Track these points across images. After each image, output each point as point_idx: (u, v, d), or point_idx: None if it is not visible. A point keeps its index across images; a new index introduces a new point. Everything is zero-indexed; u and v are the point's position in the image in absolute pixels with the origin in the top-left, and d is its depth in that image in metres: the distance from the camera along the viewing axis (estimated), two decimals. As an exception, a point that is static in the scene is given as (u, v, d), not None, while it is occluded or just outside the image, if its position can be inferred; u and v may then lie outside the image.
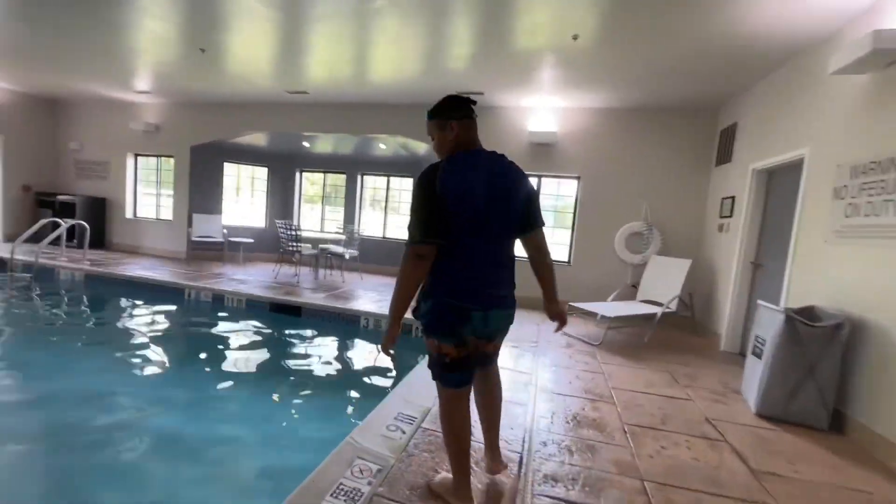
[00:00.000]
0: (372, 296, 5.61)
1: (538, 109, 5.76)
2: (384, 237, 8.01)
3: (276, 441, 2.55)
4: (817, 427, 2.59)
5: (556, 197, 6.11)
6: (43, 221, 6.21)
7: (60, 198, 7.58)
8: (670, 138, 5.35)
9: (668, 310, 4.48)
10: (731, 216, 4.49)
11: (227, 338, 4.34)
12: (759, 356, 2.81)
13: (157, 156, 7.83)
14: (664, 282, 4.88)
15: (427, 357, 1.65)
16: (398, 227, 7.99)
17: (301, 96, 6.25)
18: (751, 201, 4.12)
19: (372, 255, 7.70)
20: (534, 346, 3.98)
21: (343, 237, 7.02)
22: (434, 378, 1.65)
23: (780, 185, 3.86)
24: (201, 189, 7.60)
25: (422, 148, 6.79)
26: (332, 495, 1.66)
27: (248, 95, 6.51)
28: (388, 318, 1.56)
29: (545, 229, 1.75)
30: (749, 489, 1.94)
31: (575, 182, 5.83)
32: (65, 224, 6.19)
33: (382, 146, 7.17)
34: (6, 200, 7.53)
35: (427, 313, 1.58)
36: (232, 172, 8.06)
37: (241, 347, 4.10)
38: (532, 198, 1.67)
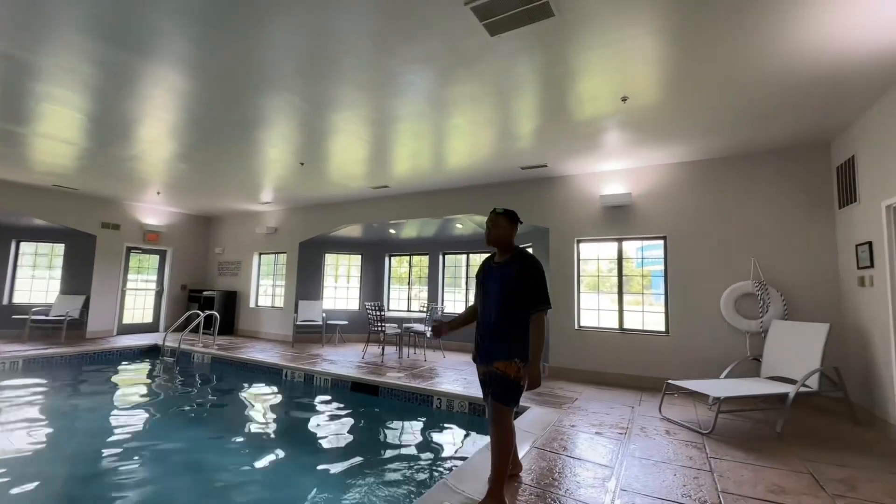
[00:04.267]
0: (451, 375, 5.49)
1: (609, 173, 5.59)
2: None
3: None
4: None
5: (642, 260, 5.58)
6: (187, 314, 7.58)
7: (205, 293, 9.24)
8: (774, 184, 4.68)
9: (805, 388, 3.55)
10: (871, 266, 3.60)
11: (311, 414, 4.56)
12: (939, 455, 2.01)
13: (275, 253, 9.26)
14: (795, 353, 3.95)
15: (506, 389, 2.20)
16: (480, 302, 7.95)
17: (388, 190, 7.03)
18: (894, 245, 3.28)
19: (456, 332, 7.67)
20: (621, 433, 3.40)
21: (426, 315, 7.20)
22: (510, 404, 2.23)
23: (931, 222, 3.05)
24: (306, 278, 8.66)
25: (497, 223, 6.93)
26: None
27: (341, 196, 7.54)
28: (533, 362, 2.17)
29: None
30: None
31: (661, 243, 5.31)
32: (201, 315, 7.44)
33: (459, 226, 7.51)
34: (169, 298, 9.43)
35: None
36: (331, 262, 9.08)
37: (321, 424, 4.24)
38: None
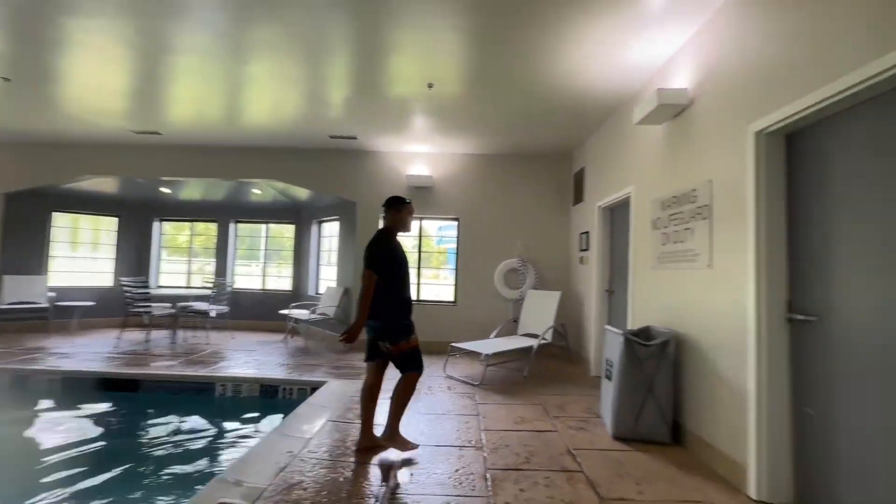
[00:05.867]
0: (241, 357, 4.93)
1: (415, 154, 5.91)
2: (263, 289, 7.31)
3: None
4: (661, 441, 2.75)
5: (440, 238, 6.20)
6: None
7: None
8: (536, 181, 5.85)
9: (543, 341, 4.64)
10: (588, 249, 4.94)
11: (33, 427, 3.37)
12: (609, 378, 2.96)
13: (-45, 206, 6.28)
14: (540, 314, 5.11)
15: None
16: (280, 277, 7.37)
17: (160, 138, 5.61)
18: (599, 235, 4.58)
19: (249, 310, 6.94)
20: (412, 394, 3.75)
21: (211, 292, 6.21)
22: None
23: (619, 219, 4.37)
24: (19, 245, 6.23)
25: (303, 194, 6.47)
26: None
27: (86, 136, 5.64)
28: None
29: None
30: (597, 522, 1.90)
31: (455, 223, 6.00)
32: None
33: (257, 192, 6.70)
34: None
35: None
36: (65, 223, 6.78)
37: (51, 436, 3.18)
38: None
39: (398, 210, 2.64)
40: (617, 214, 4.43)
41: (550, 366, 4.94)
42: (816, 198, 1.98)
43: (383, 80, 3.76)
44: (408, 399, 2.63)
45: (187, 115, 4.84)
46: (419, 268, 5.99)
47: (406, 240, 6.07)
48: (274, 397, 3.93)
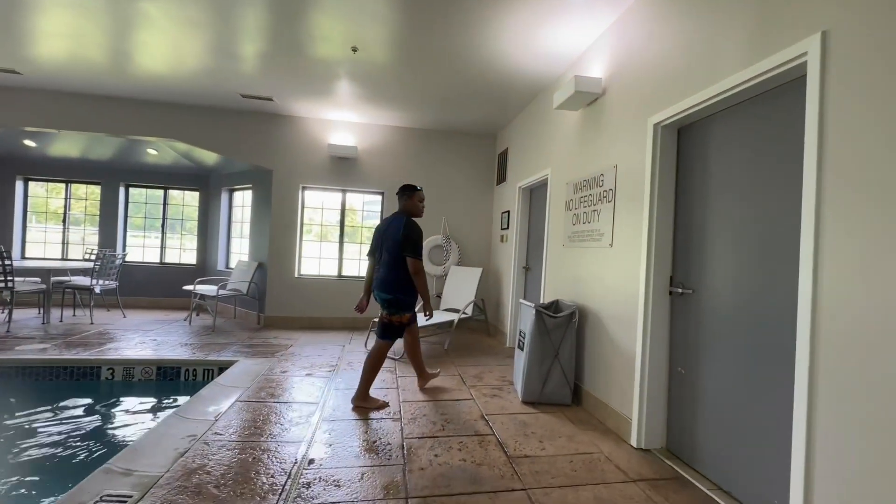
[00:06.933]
0: (134, 338, 4.41)
1: (338, 122, 5.61)
2: (162, 263, 6.57)
3: None
4: (564, 403, 3.03)
5: (364, 213, 6.02)
6: None
7: None
8: (462, 159, 5.90)
9: (464, 315, 4.81)
10: (508, 228, 5.15)
11: None
12: (522, 348, 3.17)
13: None
14: (462, 290, 5.26)
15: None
16: (184, 250, 6.67)
17: (19, 78, 4.63)
18: (519, 214, 4.80)
19: (144, 286, 6.21)
20: (331, 370, 3.68)
21: (94, 265, 5.42)
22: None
23: (537, 200, 4.60)
24: None
25: (211, 158, 5.83)
26: None
27: None
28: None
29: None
30: (503, 478, 2.06)
31: (380, 197, 5.86)
32: None
33: (153, 152, 5.89)
34: None
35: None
36: None
37: None
38: (394, 237, 2.85)
39: (410, 196, 2.99)
40: (536, 195, 4.66)
41: (470, 339, 5.14)
42: (698, 187, 2.26)
43: (303, 36, 3.47)
44: (380, 364, 2.92)
45: (58, 55, 4.05)
46: (341, 242, 5.80)
47: (331, 214, 5.82)
48: (174, 380, 3.60)
